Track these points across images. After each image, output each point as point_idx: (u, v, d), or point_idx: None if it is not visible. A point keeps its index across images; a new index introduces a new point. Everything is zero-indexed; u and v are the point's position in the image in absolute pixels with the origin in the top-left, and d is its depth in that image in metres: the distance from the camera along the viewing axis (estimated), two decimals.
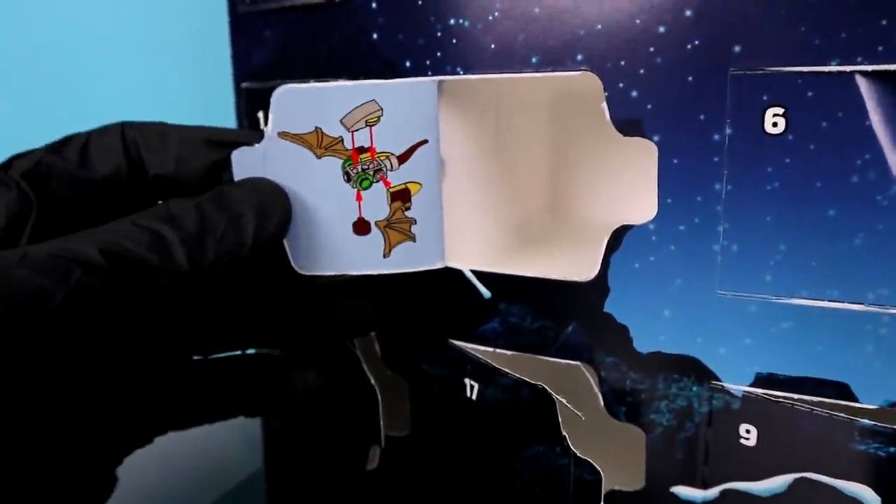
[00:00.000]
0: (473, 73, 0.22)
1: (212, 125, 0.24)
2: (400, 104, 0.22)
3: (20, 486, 0.19)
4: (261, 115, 0.27)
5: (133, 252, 0.18)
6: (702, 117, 0.19)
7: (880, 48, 0.17)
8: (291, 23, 0.25)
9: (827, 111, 0.18)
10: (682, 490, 0.22)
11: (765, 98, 0.18)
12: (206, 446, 0.36)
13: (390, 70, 0.23)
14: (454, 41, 0.22)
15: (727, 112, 0.19)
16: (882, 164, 0.17)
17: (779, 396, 0.20)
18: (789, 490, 0.20)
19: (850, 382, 0.19)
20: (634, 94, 0.20)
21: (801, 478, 0.20)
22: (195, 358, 0.25)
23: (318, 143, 0.22)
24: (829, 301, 0.19)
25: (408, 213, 0.23)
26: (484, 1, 0.21)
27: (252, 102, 0.27)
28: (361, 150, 0.22)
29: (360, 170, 0.22)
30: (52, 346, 0.18)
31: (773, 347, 0.20)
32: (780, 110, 0.18)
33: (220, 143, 0.23)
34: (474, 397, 0.25)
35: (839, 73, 0.17)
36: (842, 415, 0.19)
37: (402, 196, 0.23)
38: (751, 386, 0.20)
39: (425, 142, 0.22)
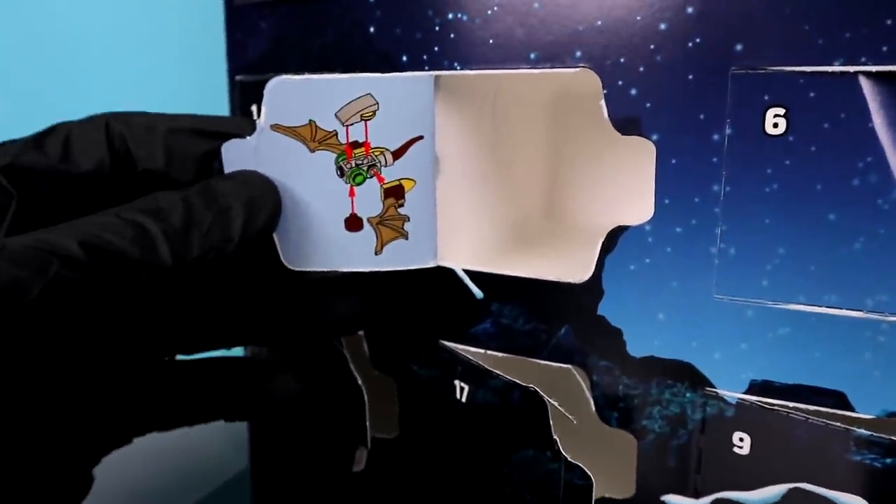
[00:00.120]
0: (471, 69, 0.21)
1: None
2: (396, 99, 0.21)
3: None
4: (254, 108, 0.26)
5: (115, 245, 0.18)
6: (701, 117, 0.19)
7: (885, 49, 0.16)
8: (287, 15, 0.25)
9: (829, 112, 0.17)
10: (673, 499, 0.21)
11: (766, 98, 0.18)
12: (191, 445, 0.36)
13: (387, 64, 0.23)
14: (452, 36, 0.21)
15: (727, 112, 0.18)
16: (884, 167, 0.17)
17: (774, 404, 0.19)
18: (783, 500, 0.20)
19: (847, 391, 0.19)
20: (634, 92, 0.19)
21: (795, 488, 0.20)
22: (178, 357, 0.24)
23: (312, 137, 0.22)
24: (828, 307, 0.18)
25: (401, 210, 0.22)
26: None
27: (246, 95, 0.27)
28: (356, 144, 0.22)
29: (353, 165, 0.22)
30: (29, 340, 0.17)
31: (770, 354, 0.19)
32: (782, 111, 0.18)
33: (210, 134, 0.22)
34: (464, 399, 0.24)
35: (842, 73, 0.17)
36: (838, 424, 0.19)
37: (395, 192, 0.22)
38: (745, 393, 0.20)
39: (420, 138, 0.22)
